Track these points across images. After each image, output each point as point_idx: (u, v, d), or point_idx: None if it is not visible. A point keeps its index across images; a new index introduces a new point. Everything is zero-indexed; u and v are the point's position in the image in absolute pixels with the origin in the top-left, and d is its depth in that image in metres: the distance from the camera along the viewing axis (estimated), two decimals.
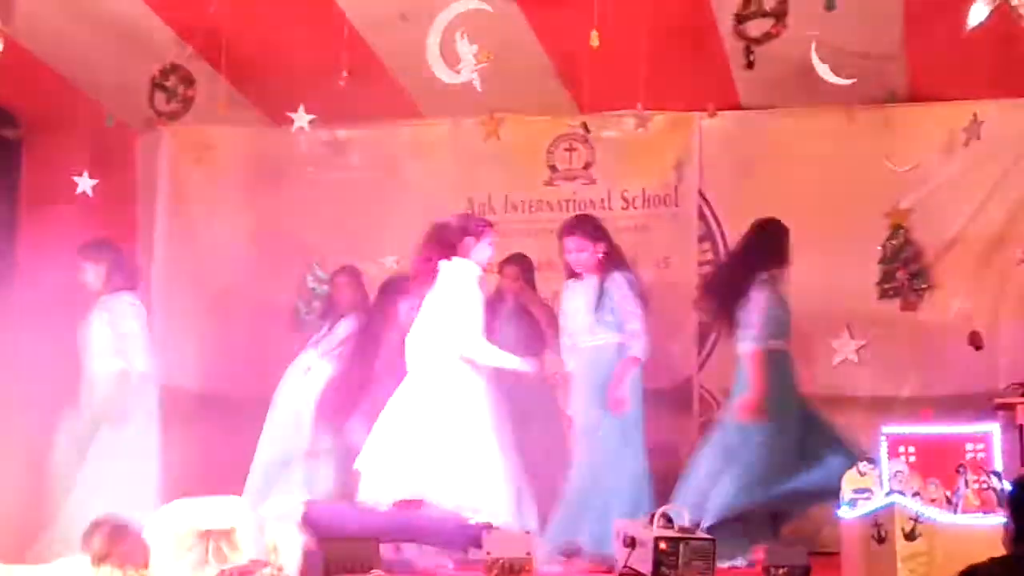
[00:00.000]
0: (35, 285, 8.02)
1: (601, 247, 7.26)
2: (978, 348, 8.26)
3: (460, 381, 6.69)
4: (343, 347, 8.10)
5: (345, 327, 8.15)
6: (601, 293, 7.17)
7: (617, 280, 7.18)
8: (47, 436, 7.68)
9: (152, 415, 7.78)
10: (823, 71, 7.02)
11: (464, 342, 6.74)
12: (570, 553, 6.80)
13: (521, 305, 8.32)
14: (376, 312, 7.78)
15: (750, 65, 7.45)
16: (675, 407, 8.76)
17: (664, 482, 8.42)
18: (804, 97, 8.30)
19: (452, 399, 6.63)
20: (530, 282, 8.42)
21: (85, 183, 8.11)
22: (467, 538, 6.48)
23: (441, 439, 6.52)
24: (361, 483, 6.65)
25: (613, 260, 7.29)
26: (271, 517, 6.32)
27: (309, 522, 6.32)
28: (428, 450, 6.51)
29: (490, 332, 8.08)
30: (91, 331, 7.79)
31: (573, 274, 7.40)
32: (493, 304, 8.25)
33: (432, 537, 6.47)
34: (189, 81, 8.21)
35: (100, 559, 6.03)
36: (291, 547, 6.02)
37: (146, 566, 6.04)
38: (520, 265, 8.42)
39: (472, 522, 6.49)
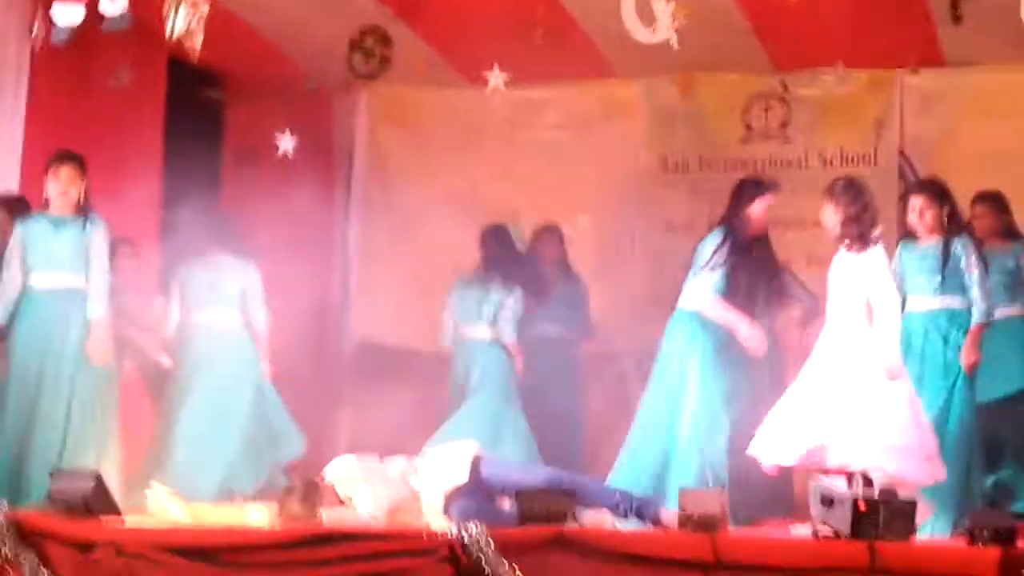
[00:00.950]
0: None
1: (947, 209, 7.05)
2: None
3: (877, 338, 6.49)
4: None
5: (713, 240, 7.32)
6: (947, 256, 6.96)
7: (965, 244, 6.98)
8: None
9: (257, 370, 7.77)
10: None
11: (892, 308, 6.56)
12: None
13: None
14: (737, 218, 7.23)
15: (957, 19, 7.23)
16: None
17: None
18: (1012, 52, 8.02)
19: (866, 354, 6.42)
20: None
21: (287, 143, 8.25)
22: (629, 505, 6.46)
23: (851, 394, 6.32)
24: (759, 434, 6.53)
25: (958, 223, 7.08)
26: (437, 462, 6.40)
27: (477, 472, 6.38)
28: (836, 404, 6.30)
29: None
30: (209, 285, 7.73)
31: (908, 234, 7.07)
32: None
33: (593, 499, 6.42)
34: (386, 42, 8.32)
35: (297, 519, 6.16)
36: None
37: None
38: None
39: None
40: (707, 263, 7.05)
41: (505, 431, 8.03)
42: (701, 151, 9.24)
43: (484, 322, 8.23)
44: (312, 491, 6.22)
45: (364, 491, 6.25)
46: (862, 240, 6.36)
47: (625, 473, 7.01)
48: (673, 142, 9.29)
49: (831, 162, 9.03)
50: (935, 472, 6.23)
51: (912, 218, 6.97)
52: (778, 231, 8.45)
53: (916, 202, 6.98)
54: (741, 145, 9.22)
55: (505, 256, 8.34)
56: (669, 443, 7.02)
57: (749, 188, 7.22)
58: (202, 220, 7.72)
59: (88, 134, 7.87)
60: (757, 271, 7.16)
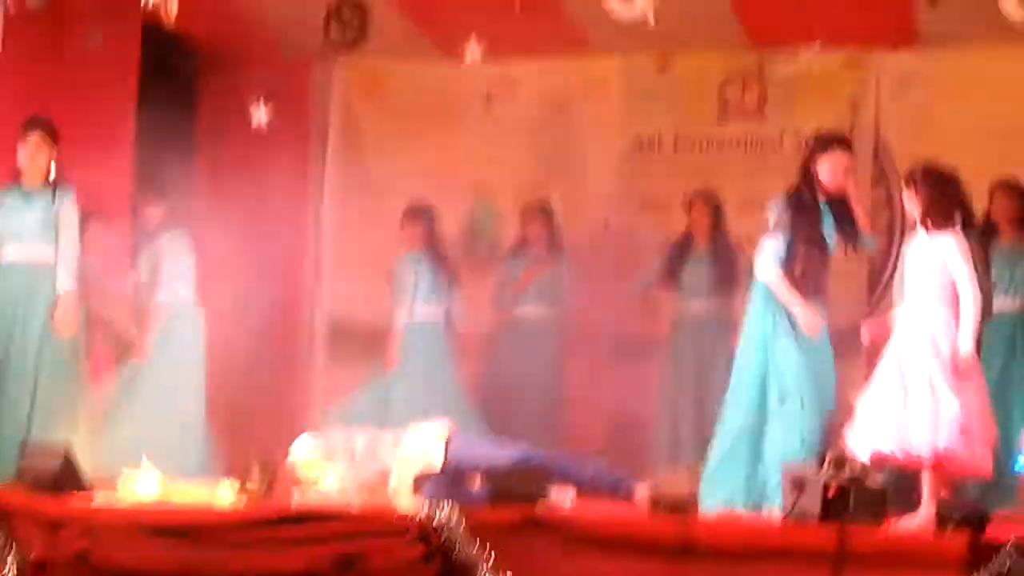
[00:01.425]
0: (212, 214, 8.12)
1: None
2: None
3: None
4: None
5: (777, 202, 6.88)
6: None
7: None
8: None
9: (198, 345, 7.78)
10: (1010, 5, 6.74)
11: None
12: None
13: (713, 245, 8.23)
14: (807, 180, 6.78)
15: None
16: (844, 352, 8.63)
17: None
18: (989, 32, 7.99)
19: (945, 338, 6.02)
20: (718, 221, 8.31)
21: (261, 114, 8.20)
22: (606, 484, 6.46)
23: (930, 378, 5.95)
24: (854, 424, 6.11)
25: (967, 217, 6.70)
26: (410, 443, 6.38)
27: (449, 450, 6.39)
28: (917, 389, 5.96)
29: (678, 273, 8.08)
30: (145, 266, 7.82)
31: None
32: (683, 245, 8.24)
33: (566, 476, 6.40)
34: (363, 12, 8.26)
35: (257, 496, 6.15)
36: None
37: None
38: (709, 203, 8.32)
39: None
40: (771, 227, 6.71)
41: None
42: (677, 129, 9.20)
43: (430, 303, 8.22)
44: (268, 471, 6.21)
45: (328, 471, 6.24)
46: (943, 225, 6.07)
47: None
48: (649, 120, 9.23)
49: (807, 142, 8.97)
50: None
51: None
52: (755, 211, 8.51)
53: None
54: (717, 124, 9.18)
55: (435, 241, 8.35)
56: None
57: (815, 144, 6.81)
58: (174, 193, 7.71)
59: (60, 103, 7.79)
60: (819, 238, 6.69)
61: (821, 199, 6.72)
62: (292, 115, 8.96)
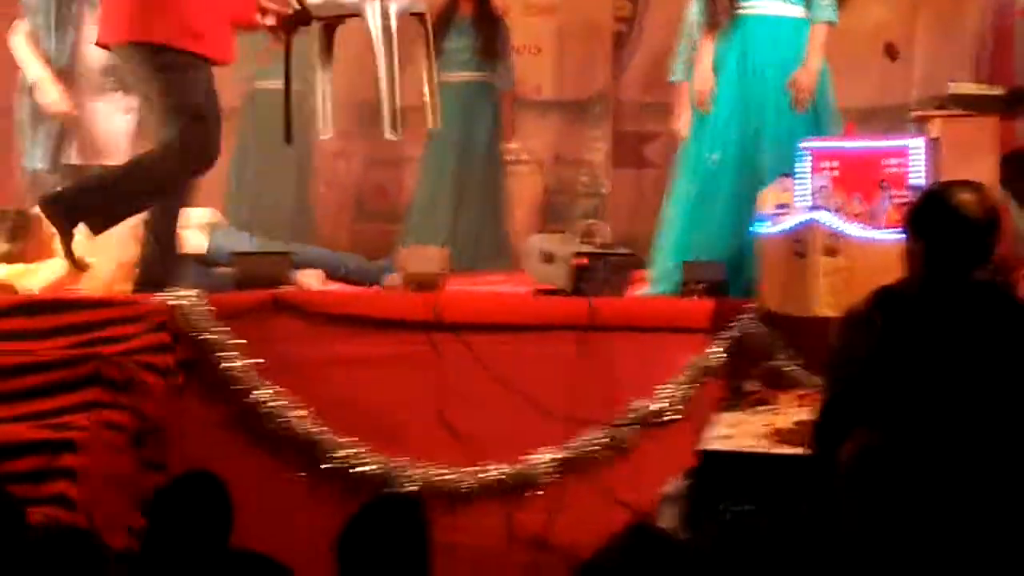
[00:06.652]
0: None
1: None
2: (894, 59, 8.16)
3: None
4: None
5: None
6: None
7: None
8: None
9: None
10: None
11: None
12: None
13: (476, 13, 7.99)
14: None
15: None
16: (589, 119, 8.66)
17: (563, 193, 8.50)
18: None
19: None
20: None
21: None
22: (364, 273, 6.41)
23: None
24: None
25: None
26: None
27: (211, 238, 6.23)
28: None
29: (446, 41, 7.85)
30: None
31: None
32: (448, 12, 7.97)
33: (331, 270, 6.33)
34: None
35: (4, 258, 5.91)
36: None
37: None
38: None
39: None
40: None
41: None
42: None
43: None
44: (22, 224, 5.96)
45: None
46: None
47: None
48: None
49: None
50: None
51: None
52: None
53: None
54: None
55: None
56: None
57: None
58: None
59: None
60: None
61: None
62: None
